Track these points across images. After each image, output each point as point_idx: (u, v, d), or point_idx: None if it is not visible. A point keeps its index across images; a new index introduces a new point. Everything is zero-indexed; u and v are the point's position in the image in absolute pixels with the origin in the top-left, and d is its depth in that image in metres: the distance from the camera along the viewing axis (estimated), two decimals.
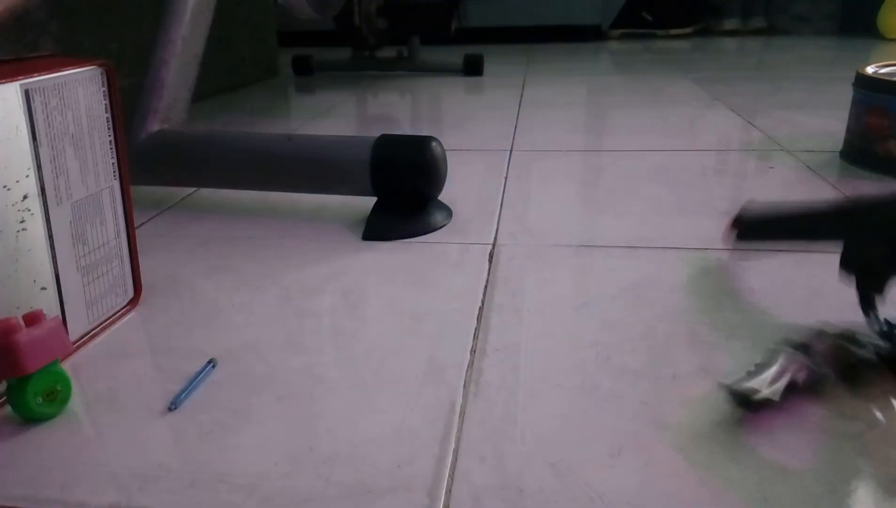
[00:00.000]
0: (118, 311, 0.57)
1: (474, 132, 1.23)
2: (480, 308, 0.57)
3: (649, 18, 2.90)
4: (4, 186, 0.45)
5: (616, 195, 0.85)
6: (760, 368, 0.43)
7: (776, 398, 0.40)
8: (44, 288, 0.49)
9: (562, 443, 0.40)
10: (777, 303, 0.57)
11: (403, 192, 0.75)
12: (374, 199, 0.77)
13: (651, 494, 0.36)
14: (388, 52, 1.98)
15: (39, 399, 0.43)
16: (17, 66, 0.49)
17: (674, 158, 1.02)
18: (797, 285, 0.60)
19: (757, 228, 0.64)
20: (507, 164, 1.01)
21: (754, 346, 0.50)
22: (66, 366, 0.49)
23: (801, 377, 0.43)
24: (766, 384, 0.41)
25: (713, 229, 0.73)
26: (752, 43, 2.58)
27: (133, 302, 0.59)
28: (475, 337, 0.53)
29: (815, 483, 0.37)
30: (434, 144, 0.75)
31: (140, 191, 0.85)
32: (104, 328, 0.55)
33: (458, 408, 0.44)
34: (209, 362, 0.49)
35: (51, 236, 0.49)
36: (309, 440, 0.41)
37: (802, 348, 0.45)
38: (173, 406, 0.45)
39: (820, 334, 0.46)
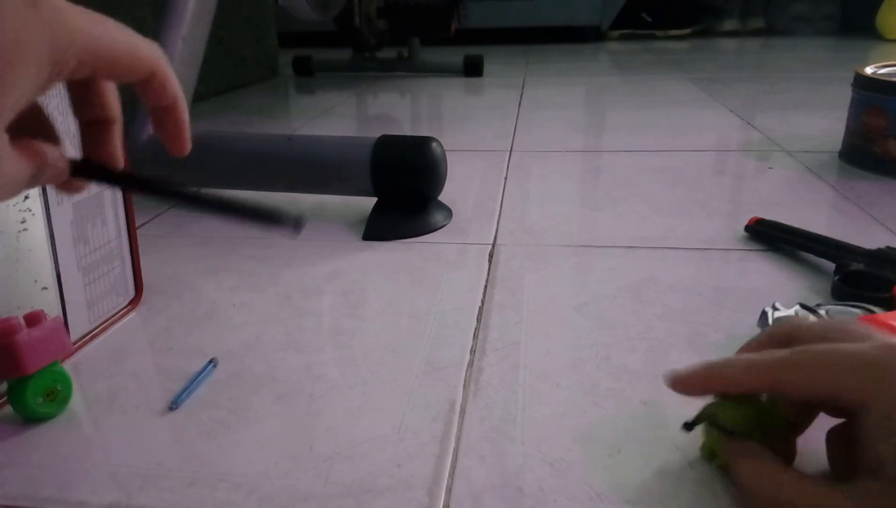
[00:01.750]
0: (119, 311, 0.58)
1: (474, 132, 1.23)
2: (480, 308, 0.57)
3: (648, 19, 2.90)
4: None
5: (616, 195, 0.85)
6: None
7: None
8: (45, 288, 0.49)
9: (561, 442, 0.40)
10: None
11: (403, 192, 0.75)
12: (375, 199, 0.77)
13: (650, 494, 0.36)
14: (388, 53, 1.98)
15: (40, 399, 0.43)
16: None
17: (673, 158, 1.02)
18: (796, 283, 0.60)
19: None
20: (506, 164, 1.01)
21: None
22: (67, 366, 0.49)
23: None
24: None
25: (713, 229, 0.73)
26: (751, 43, 2.58)
27: (134, 302, 0.59)
28: (475, 337, 0.53)
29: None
30: (434, 144, 0.75)
31: None
32: (105, 328, 0.55)
33: (457, 407, 0.44)
34: (210, 361, 0.50)
35: (52, 236, 0.49)
36: (309, 439, 0.41)
37: None
38: (174, 406, 0.45)
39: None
